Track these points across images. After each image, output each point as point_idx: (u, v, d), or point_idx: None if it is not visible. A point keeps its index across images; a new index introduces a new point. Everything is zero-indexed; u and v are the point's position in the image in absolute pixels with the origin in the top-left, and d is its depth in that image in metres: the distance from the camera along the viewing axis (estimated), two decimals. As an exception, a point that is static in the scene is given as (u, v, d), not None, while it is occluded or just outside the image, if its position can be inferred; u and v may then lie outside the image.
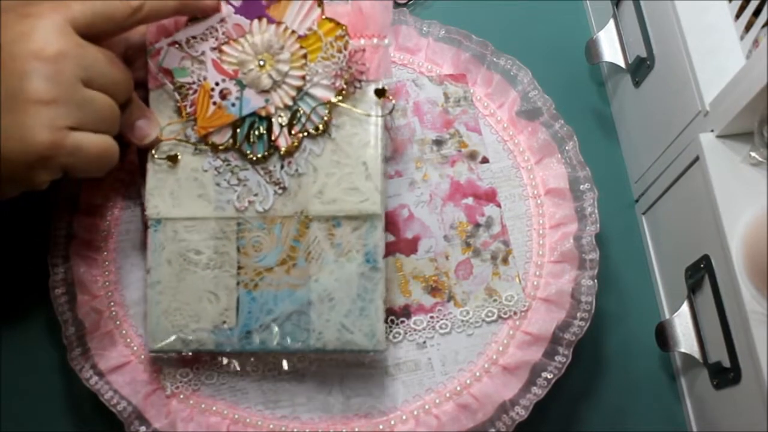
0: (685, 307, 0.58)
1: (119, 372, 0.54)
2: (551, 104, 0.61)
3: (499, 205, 0.58)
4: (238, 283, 0.52)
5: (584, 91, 0.71)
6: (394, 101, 0.56)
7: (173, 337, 0.52)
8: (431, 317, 0.55)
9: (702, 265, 0.55)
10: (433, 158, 0.59)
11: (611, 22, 0.66)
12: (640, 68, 0.63)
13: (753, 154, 0.54)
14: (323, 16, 0.52)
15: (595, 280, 0.56)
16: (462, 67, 0.62)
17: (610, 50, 0.66)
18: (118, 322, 0.56)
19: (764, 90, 0.48)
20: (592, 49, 0.66)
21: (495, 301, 0.56)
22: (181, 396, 0.54)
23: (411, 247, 0.57)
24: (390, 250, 0.56)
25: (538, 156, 0.60)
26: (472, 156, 0.59)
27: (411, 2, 0.71)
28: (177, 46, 0.53)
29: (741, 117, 0.52)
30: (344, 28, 0.52)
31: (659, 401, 0.62)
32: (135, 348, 0.55)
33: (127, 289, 0.57)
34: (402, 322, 0.55)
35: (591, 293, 0.55)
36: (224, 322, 0.51)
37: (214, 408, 0.54)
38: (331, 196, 0.52)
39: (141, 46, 0.53)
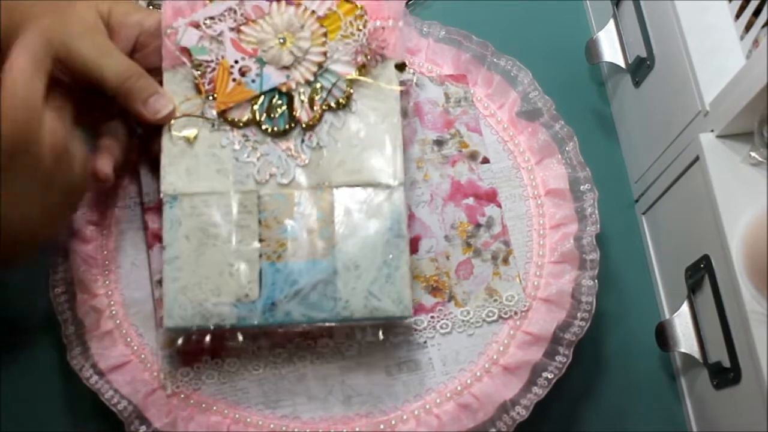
0: (685, 307, 0.58)
1: (119, 371, 0.54)
2: (551, 105, 0.61)
3: (499, 206, 0.58)
4: (260, 255, 0.51)
5: (584, 91, 0.71)
6: (415, 73, 0.57)
7: (193, 313, 0.50)
8: (432, 317, 0.55)
9: (702, 265, 0.56)
10: (434, 158, 0.59)
11: (611, 22, 0.66)
12: (640, 68, 0.63)
13: (753, 154, 0.54)
14: None
15: (596, 280, 0.56)
16: (462, 68, 0.62)
17: (610, 50, 0.66)
18: (117, 321, 0.56)
19: (764, 90, 0.48)
20: (592, 49, 0.66)
21: (495, 301, 0.56)
22: (182, 395, 0.54)
23: (412, 247, 0.57)
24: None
25: (539, 156, 0.60)
26: (473, 156, 0.59)
27: (411, 2, 0.71)
28: (195, 26, 0.53)
29: (741, 117, 0.52)
30: (362, 8, 0.53)
31: (659, 401, 0.62)
32: (135, 347, 0.55)
33: (127, 288, 0.57)
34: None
35: (591, 293, 0.56)
36: (247, 295, 0.51)
37: (214, 407, 0.54)
38: (353, 167, 0.52)
39: (154, 32, 0.53)
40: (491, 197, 0.58)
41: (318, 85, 0.53)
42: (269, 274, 0.51)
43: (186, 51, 0.53)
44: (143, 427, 0.52)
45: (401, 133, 0.53)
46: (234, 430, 0.53)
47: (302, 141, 0.53)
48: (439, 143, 0.60)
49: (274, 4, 0.54)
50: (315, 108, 0.53)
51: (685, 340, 0.57)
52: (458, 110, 0.60)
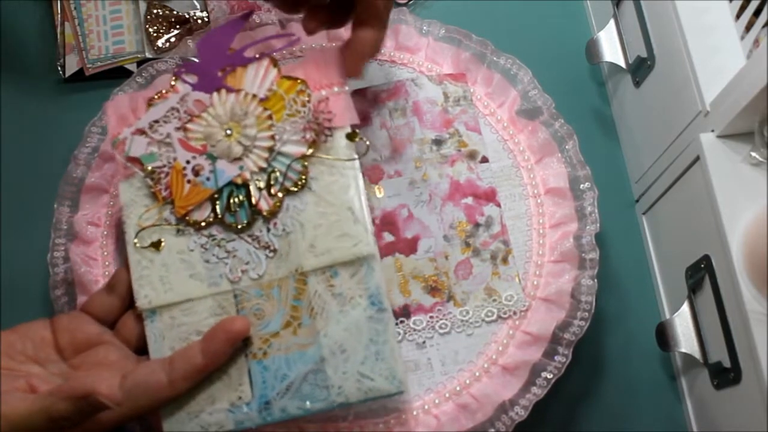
0: (685, 307, 0.58)
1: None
2: (551, 103, 0.61)
3: (498, 205, 0.58)
4: (246, 355, 0.50)
5: (584, 91, 0.71)
6: (367, 142, 0.55)
7: (191, 426, 0.49)
8: (431, 317, 0.55)
9: (702, 265, 0.55)
10: (433, 158, 0.59)
11: (611, 22, 0.66)
12: (640, 68, 0.63)
13: (753, 154, 0.54)
14: (281, 76, 0.53)
15: (595, 280, 0.56)
16: (462, 67, 0.62)
17: (611, 50, 0.66)
18: (117, 322, 0.56)
19: (764, 90, 0.48)
20: (592, 49, 0.66)
21: (494, 300, 0.56)
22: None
23: (410, 246, 0.57)
24: (389, 250, 0.56)
25: (538, 155, 0.60)
26: (472, 155, 0.59)
27: (411, 2, 0.71)
28: (141, 133, 0.53)
29: (741, 117, 0.52)
30: (303, 82, 0.52)
31: (659, 401, 0.62)
32: (134, 348, 0.55)
33: (126, 288, 0.56)
34: (401, 322, 0.55)
35: (591, 293, 0.55)
36: (240, 398, 0.49)
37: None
38: (323, 247, 0.51)
39: None
40: (490, 196, 0.58)
41: (272, 171, 0.52)
42: (258, 373, 0.50)
43: (137, 161, 0.52)
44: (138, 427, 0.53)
45: (365, 202, 0.52)
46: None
47: (268, 230, 0.52)
48: (438, 143, 0.59)
49: (215, 94, 0.53)
50: (273, 194, 0.52)
51: (686, 340, 0.57)
52: (457, 109, 0.60)
